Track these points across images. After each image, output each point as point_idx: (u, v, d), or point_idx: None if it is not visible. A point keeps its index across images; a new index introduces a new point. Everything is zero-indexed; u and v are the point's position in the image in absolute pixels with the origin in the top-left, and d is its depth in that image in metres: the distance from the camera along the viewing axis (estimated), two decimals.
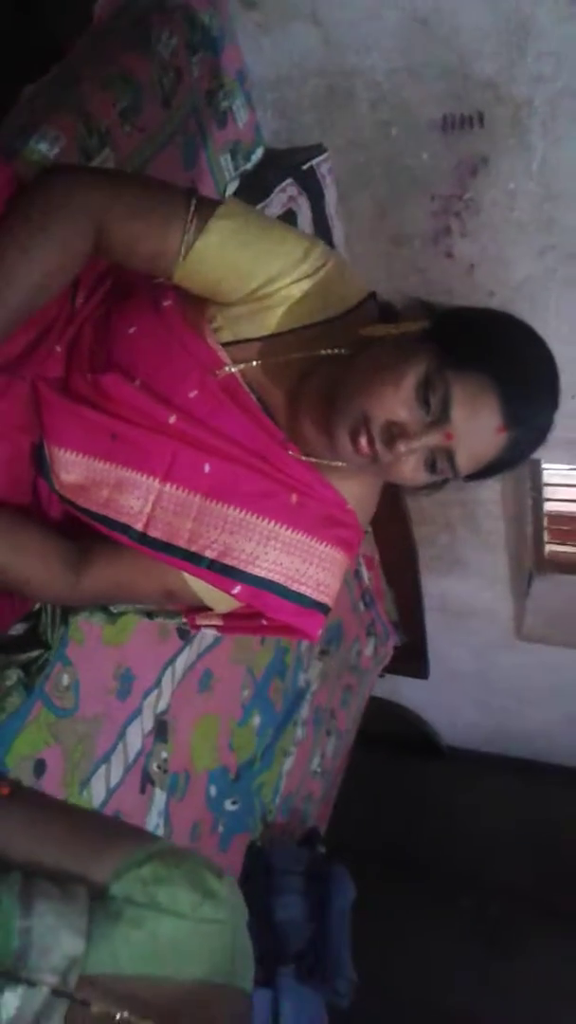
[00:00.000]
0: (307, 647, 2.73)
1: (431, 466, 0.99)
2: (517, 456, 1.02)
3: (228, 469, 1.07)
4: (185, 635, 1.99)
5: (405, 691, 3.85)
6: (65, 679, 1.60)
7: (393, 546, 3.04)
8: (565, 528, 3.34)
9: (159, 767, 1.94)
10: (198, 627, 1.19)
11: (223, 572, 1.08)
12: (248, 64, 2.00)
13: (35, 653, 1.45)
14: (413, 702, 3.91)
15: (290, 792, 2.73)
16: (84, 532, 1.15)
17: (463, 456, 0.98)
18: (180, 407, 1.06)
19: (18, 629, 1.43)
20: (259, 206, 2.00)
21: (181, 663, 1.99)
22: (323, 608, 1.12)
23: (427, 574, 3.20)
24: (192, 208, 1.04)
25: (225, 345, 1.07)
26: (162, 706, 1.93)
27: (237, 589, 1.08)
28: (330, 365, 1.06)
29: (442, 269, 2.32)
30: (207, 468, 1.07)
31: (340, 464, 1.07)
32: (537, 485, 3.14)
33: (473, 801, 3.83)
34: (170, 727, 1.97)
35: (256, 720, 2.43)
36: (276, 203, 2.07)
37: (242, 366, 1.07)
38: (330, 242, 2.21)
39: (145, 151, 1.71)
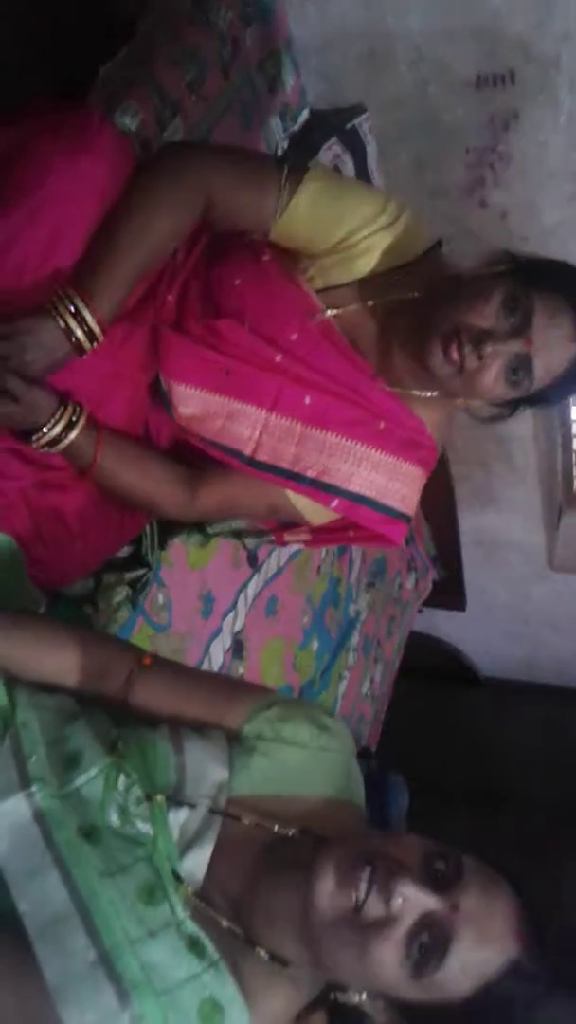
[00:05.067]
0: (356, 579, 2.93)
1: (511, 376, 1.16)
2: None
3: (326, 401, 1.26)
4: (254, 563, 2.18)
5: (443, 625, 4.04)
6: (160, 598, 1.80)
7: (431, 485, 3.20)
8: None
9: None
10: (285, 542, 1.40)
11: (323, 488, 1.28)
12: (294, 31, 2.13)
13: (139, 572, 1.65)
14: (450, 635, 4.11)
15: (346, 713, 2.94)
16: (192, 460, 1.34)
17: (540, 364, 1.16)
18: (284, 347, 1.25)
19: (124, 551, 1.63)
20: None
21: (252, 588, 2.18)
22: (406, 518, 1.33)
23: (463, 510, 3.38)
24: (285, 174, 1.23)
25: (318, 292, 1.25)
26: (238, 626, 2.13)
27: (335, 503, 1.29)
28: (415, 305, 1.24)
29: (477, 218, 2.47)
30: (308, 400, 1.26)
31: (422, 394, 1.26)
32: (566, 422, 3.29)
33: (509, 726, 4.04)
34: (245, 646, 2.18)
35: (315, 645, 2.63)
36: (323, 160, 2.21)
37: (335, 311, 1.25)
38: None
39: (209, 118, 1.87)
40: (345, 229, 1.24)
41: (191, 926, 0.86)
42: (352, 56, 2.22)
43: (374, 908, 0.80)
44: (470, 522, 3.46)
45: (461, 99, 2.26)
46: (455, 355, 1.15)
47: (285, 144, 2.19)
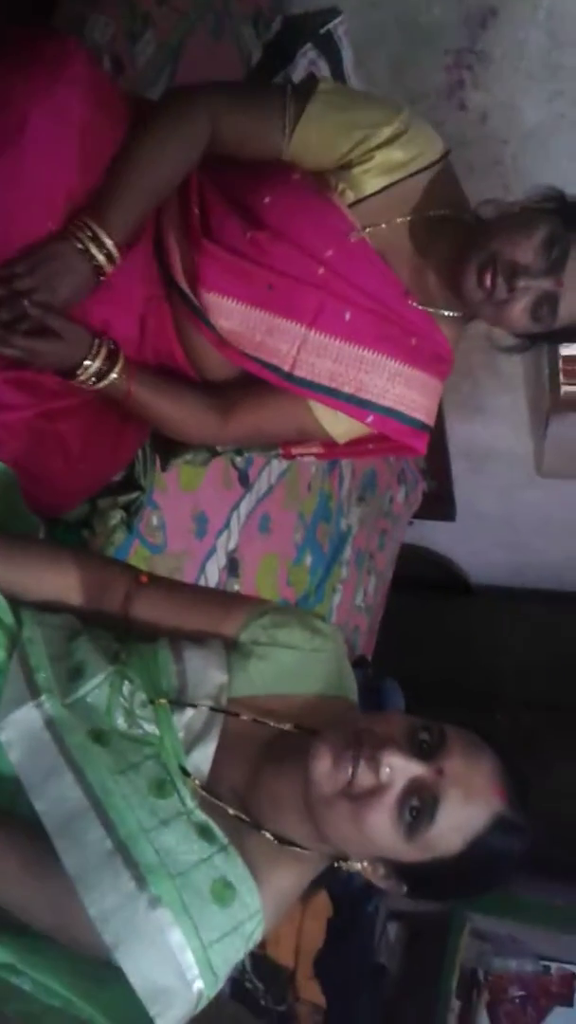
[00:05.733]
0: (346, 494, 2.98)
1: (536, 311, 1.21)
2: None
3: (364, 317, 1.30)
4: (245, 482, 2.22)
5: (434, 536, 4.11)
6: (155, 520, 1.85)
7: None
8: None
9: None
10: (294, 456, 1.45)
11: (359, 404, 1.33)
12: None
13: (133, 495, 1.69)
14: (441, 545, 4.18)
15: (340, 624, 3.03)
16: (222, 388, 1.38)
17: (565, 305, 1.21)
18: (324, 262, 1.27)
19: (118, 475, 1.66)
20: (282, 72, 2.11)
21: (244, 507, 2.23)
22: (430, 429, 1.40)
23: (451, 421, 3.40)
24: (288, 93, 1.25)
25: (350, 207, 1.27)
26: (232, 545, 2.18)
27: (370, 418, 1.34)
28: (451, 228, 1.29)
29: (457, 121, 2.44)
30: (347, 316, 1.29)
31: (448, 313, 1.31)
32: None
33: (501, 631, 4.15)
34: (239, 564, 2.23)
35: (308, 560, 2.69)
36: (299, 68, 2.16)
37: (370, 229, 1.27)
38: None
39: (180, 28, 1.84)
40: (356, 138, 1.26)
41: (200, 815, 0.93)
42: None
43: (366, 779, 0.87)
44: (458, 433, 3.49)
45: None
46: (488, 283, 1.20)
47: (259, 53, 2.14)
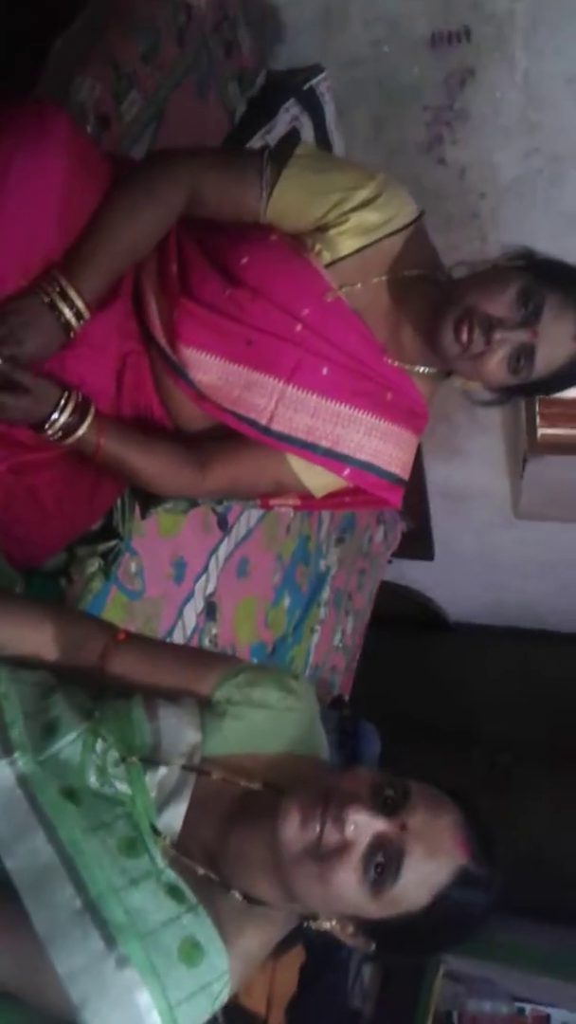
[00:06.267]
0: (325, 536, 3.00)
1: (513, 363, 1.25)
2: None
3: (340, 373, 1.34)
4: (224, 526, 2.24)
5: (412, 574, 4.13)
6: (133, 566, 1.86)
7: None
8: (556, 412, 3.56)
9: (210, 641, 2.22)
10: (271, 507, 1.47)
11: (336, 458, 1.36)
12: None
13: (111, 543, 1.71)
14: (420, 583, 4.21)
15: (318, 664, 3.04)
16: (199, 441, 1.40)
17: (542, 357, 1.25)
18: (301, 320, 1.31)
19: (95, 524, 1.68)
20: (265, 127, 2.16)
21: (223, 551, 2.25)
22: (405, 482, 1.43)
23: (430, 462, 3.44)
24: (266, 157, 1.29)
25: (327, 267, 1.31)
26: (210, 589, 2.20)
27: (347, 472, 1.38)
28: (425, 286, 1.33)
29: (436, 175, 2.50)
30: (325, 371, 1.33)
31: (423, 369, 1.36)
32: None
33: (479, 668, 4.17)
34: (217, 608, 2.25)
35: (286, 601, 2.71)
36: (281, 123, 2.22)
37: (346, 289, 1.31)
38: None
39: (164, 88, 1.88)
40: (331, 201, 1.30)
41: (170, 874, 0.94)
42: (307, 17, 2.23)
43: (332, 837, 0.89)
44: (437, 473, 3.53)
45: (417, 57, 2.28)
46: (465, 337, 1.23)
47: (243, 108, 2.19)
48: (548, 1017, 3.57)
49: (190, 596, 2.11)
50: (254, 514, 2.37)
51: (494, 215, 2.54)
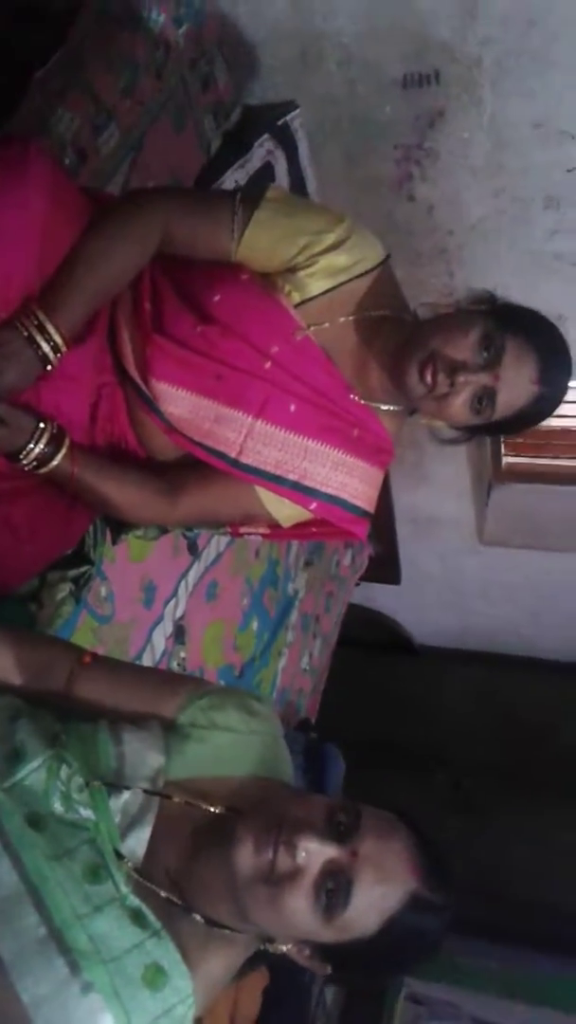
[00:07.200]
0: (294, 560, 3.04)
1: (476, 404, 1.29)
2: (536, 413, 1.34)
3: (308, 409, 1.37)
4: (194, 550, 2.27)
5: (379, 597, 4.18)
6: (103, 591, 1.88)
7: None
8: (520, 441, 3.63)
9: (179, 665, 2.24)
10: (241, 535, 1.50)
11: (303, 491, 1.40)
12: (226, 32, 2.18)
13: (83, 569, 1.72)
14: (387, 607, 4.26)
15: (285, 687, 3.07)
16: (171, 471, 1.43)
17: (503, 399, 1.29)
18: (271, 357, 1.34)
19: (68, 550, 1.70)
20: (240, 161, 2.21)
21: (192, 575, 2.27)
22: (370, 516, 1.47)
23: (397, 489, 3.50)
24: (237, 200, 1.33)
25: (296, 307, 1.35)
26: (179, 612, 2.22)
27: (314, 505, 1.41)
28: (391, 327, 1.37)
29: (405, 212, 2.56)
30: (292, 408, 1.36)
31: (388, 407, 1.39)
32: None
33: (444, 692, 4.22)
34: (186, 631, 2.27)
35: (254, 625, 2.74)
36: (256, 157, 2.27)
37: (314, 328, 1.35)
38: (304, 191, 2.43)
39: (143, 121, 1.92)
40: (300, 243, 1.34)
41: (133, 900, 0.95)
42: (283, 56, 2.28)
43: (284, 863, 0.91)
44: (404, 500, 3.59)
45: (389, 98, 2.34)
46: (429, 379, 1.27)
47: (219, 142, 2.24)
48: None
49: (159, 620, 2.13)
50: (224, 539, 2.41)
51: (461, 252, 2.60)
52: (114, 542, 1.70)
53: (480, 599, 4.04)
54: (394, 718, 4.10)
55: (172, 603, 2.18)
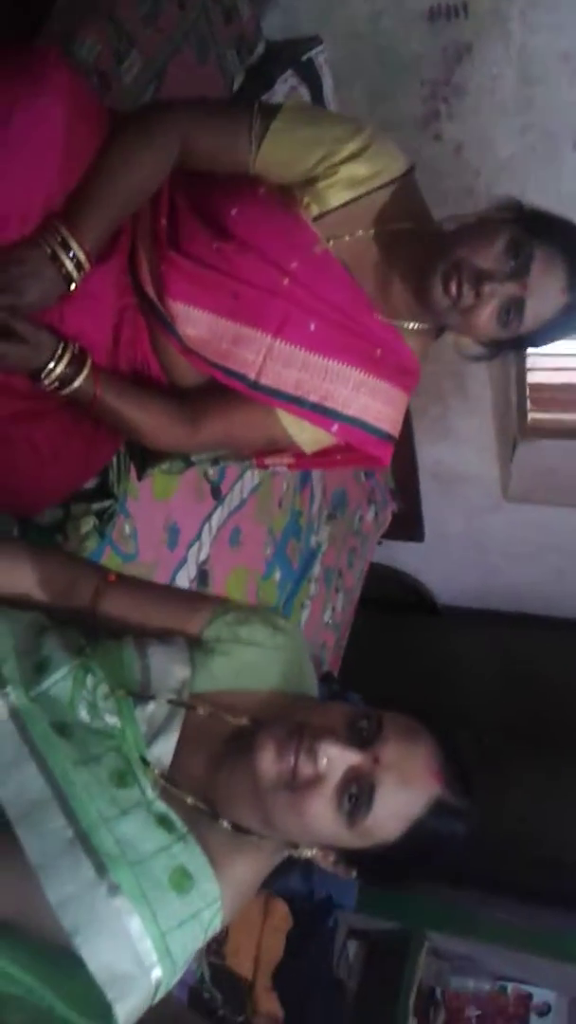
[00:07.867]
0: (317, 511, 3.02)
1: (503, 316, 1.25)
2: (565, 323, 1.29)
3: (328, 328, 1.34)
4: (218, 495, 2.25)
5: (402, 556, 4.15)
6: (127, 528, 1.87)
7: None
8: (546, 396, 3.59)
9: None
10: (266, 466, 1.48)
11: (324, 413, 1.37)
12: None
13: (106, 503, 1.72)
14: (409, 566, 4.23)
15: (308, 640, 3.05)
16: (192, 396, 1.41)
17: (531, 310, 1.25)
18: (288, 273, 1.31)
19: (92, 483, 1.69)
20: (264, 96, 2.17)
21: (216, 519, 2.26)
22: (393, 439, 1.44)
23: (421, 444, 3.46)
24: (256, 109, 1.30)
25: (315, 220, 1.31)
26: (203, 556, 2.21)
27: (335, 427, 1.38)
28: (415, 240, 1.32)
29: (432, 151, 2.51)
30: (312, 326, 1.33)
31: (413, 325, 1.35)
32: (521, 355, 3.37)
33: (466, 652, 4.19)
34: (210, 576, 2.26)
35: (277, 575, 2.72)
36: (279, 93, 2.23)
37: (334, 242, 1.31)
38: None
39: (165, 50, 1.88)
40: (319, 153, 1.30)
41: (160, 805, 0.96)
42: None
43: (306, 769, 0.90)
44: (427, 455, 3.55)
45: (415, 31, 2.29)
46: (454, 290, 1.23)
47: (242, 77, 2.20)
48: (530, 995, 3.60)
49: (183, 562, 2.12)
50: (247, 484, 2.39)
51: (488, 192, 2.55)
52: (140, 478, 1.69)
53: (504, 558, 4.00)
54: (416, 678, 4.07)
55: (196, 546, 2.17)
